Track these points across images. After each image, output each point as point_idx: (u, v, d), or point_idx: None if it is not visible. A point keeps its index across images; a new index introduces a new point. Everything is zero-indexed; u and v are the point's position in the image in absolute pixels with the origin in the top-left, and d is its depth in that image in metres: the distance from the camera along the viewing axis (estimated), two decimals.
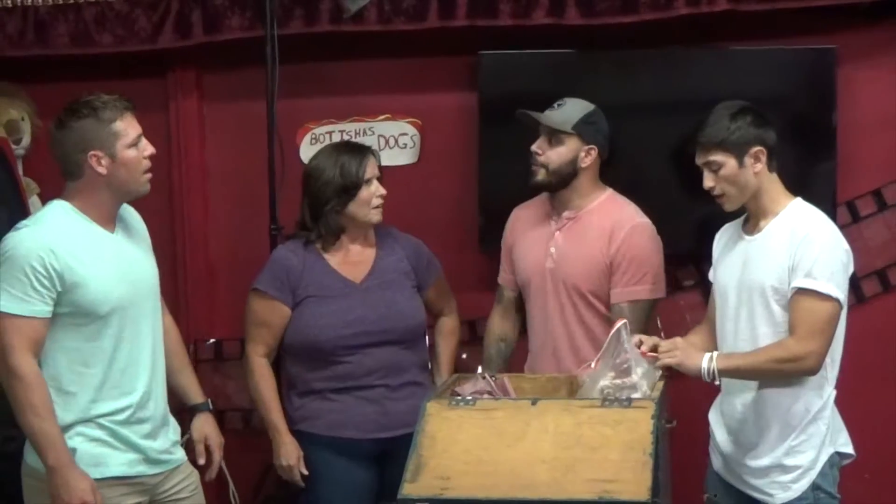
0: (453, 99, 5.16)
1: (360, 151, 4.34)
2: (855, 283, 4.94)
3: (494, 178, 5.04)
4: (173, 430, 3.93)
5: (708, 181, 3.82)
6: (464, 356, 4.87)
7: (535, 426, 3.51)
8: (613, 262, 4.29)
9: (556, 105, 4.34)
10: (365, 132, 5.19)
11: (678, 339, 3.83)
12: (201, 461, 4.02)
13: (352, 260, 4.36)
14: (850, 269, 3.82)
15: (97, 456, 3.70)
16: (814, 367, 3.68)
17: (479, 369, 4.07)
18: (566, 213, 4.37)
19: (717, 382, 3.74)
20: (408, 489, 3.45)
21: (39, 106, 5.15)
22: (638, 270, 4.29)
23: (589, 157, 4.33)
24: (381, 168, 4.37)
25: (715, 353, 3.72)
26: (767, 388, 3.79)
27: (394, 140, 5.19)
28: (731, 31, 4.94)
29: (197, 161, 5.27)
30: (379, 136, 5.19)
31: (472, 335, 5.10)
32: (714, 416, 3.99)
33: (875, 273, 4.99)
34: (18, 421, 3.63)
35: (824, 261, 3.68)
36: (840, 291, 3.69)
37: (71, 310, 3.65)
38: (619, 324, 3.76)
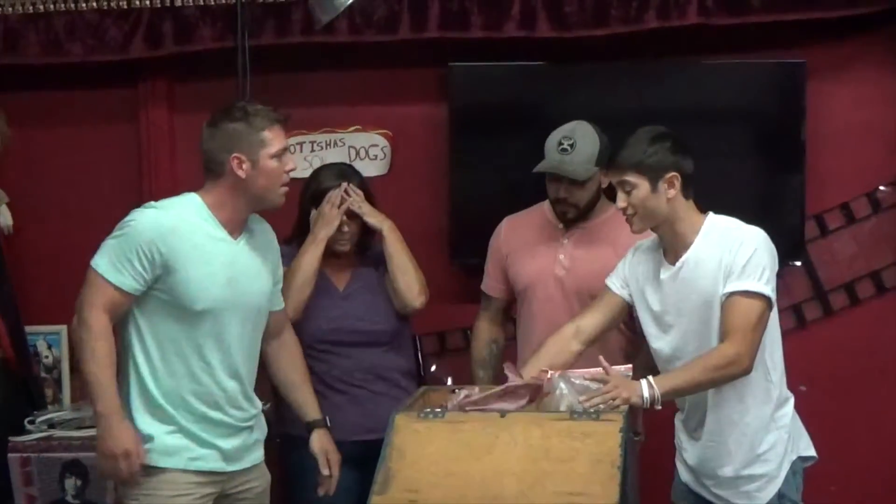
0: (424, 110, 5.16)
1: (338, 181, 4.40)
2: (823, 297, 4.98)
3: (465, 190, 5.05)
4: (259, 430, 3.98)
5: (620, 201, 3.82)
6: (433, 368, 4.88)
7: (504, 438, 3.50)
8: None
9: (567, 146, 4.26)
10: (335, 143, 5.19)
11: (612, 375, 3.69)
12: (325, 472, 4.12)
13: (336, 266, 4.42)
14: (776, 266, 3.80)
15: (173, 446, 3.76)
16: (748, 368, 3.69)
17: (449, 381, 4.07)
18: (578, 222, 4.39)
19: (658, 407, 3.67)
20: (376, 501, 3.44)
21: (9, 115, 5.12)
22: None
23: (606, 178, 4.35)
24: (367, 196, 4.41)
25: (652, 379, 3.67)
26: (720, 401, 3.80)
27: (364, 151, 5.19)
28: (702, 44, 4.97)
29: (167, 171, 5.26)
30: (349, 147, 5.20)
31: (442, 347, 5.11)
32: (679, 427, 4.00)
33: (843, 286, 5.02)
34: (81, 369, 3.74)
35: (755, 261, 3.69)
36: (770, 289, 3.71)
37: (167, 297, 3.72)
38: (553, 375, 3.76)
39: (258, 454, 3.98)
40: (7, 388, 4.93)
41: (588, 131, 4.32)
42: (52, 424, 4.79)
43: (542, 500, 3.37)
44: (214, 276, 3.75)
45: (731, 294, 3.70)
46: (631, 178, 3.77)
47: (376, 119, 5.21)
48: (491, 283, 4.58)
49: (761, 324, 3.70)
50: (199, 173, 5.20)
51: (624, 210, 3.82)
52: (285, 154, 3.83)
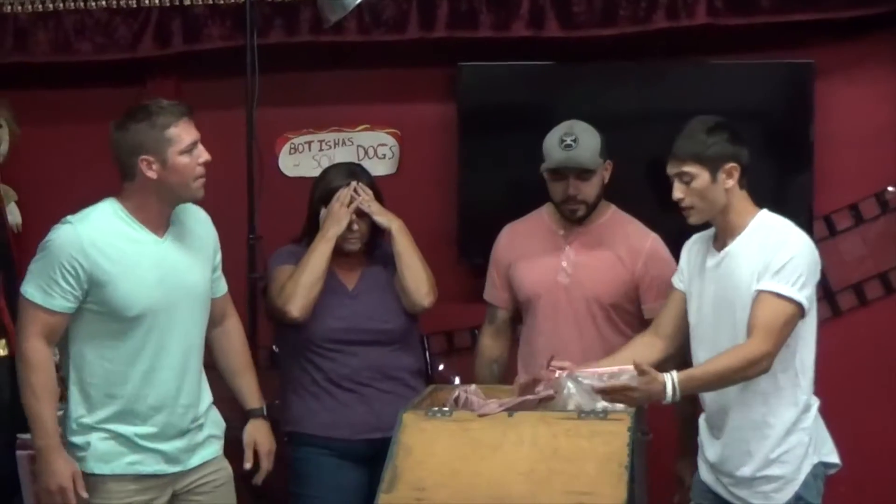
0: (433, 110, 5.17)
1: (347, 179, 4.40)
2: (831, 297, 4.97)
3: (474, 190, 5.05)
4: (211, 426, 3.96)
5: (678, 192, 3.83)
6: (441, 367, 4.88)
7: (512, 438, 3.51)
8: (643, 277, 4.34)
9: (571, 142, 4.26)
10: (344, 142, 5.20)
11: (630, 379, 3.68)
12: (247, 466, 4.07)
13: (345, 265, 4.42)
14: (818, 275, 3.83)
15: (109, 452, 3.76)
16: (767, 368, 3.69)
17: (457, 380, 4.07)
18: (578, 227, 4.39)
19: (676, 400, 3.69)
20: (383, 500, 3.45)
21: (19, 113, 5.13)
22: (670, 281, 4.34)
23: (608, 172, 4.38)
24: (375, 194, 4.42)
25: (675, 376, 3.66)
26: (745, 402, 3.80)
27: (373, 150, 5.19)
28: (710, 44, 4.97)
29: None
30: (358, 146, 5.20)
31: (450, 346, 5.11)
32: (702, 425, 4.00)
33: (851, 287, 5.02)
34: (22, 401, 3.74)
35: (792, 266, 3.70)
36: (804, 296, 3.71)
37: (100, 308, 3.71)
38: (560, 374, 3.76)
39: (211, 450, 3.95)
40: (15, 385, 4.93)
41: (586, 126, 4.33)
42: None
43: (550, 499, 3.38)
44: (144, 279, 3.73)
45: (762, 292, 3.70)
46: (691, 168, 3.79)
47: (385, 118, 5.21)
48: (495, 293, 4.57)
49: (787, 327, 3.70)
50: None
51: (680, 201, 3.83)
52: (196, 147, 3.79)
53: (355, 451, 4.29)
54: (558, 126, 4.34)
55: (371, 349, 4.34)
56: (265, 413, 4.12)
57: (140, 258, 3.74)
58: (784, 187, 4.66)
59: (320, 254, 4.30)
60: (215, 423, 3.98)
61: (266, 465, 4.09)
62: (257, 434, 4.08)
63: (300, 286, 4.27)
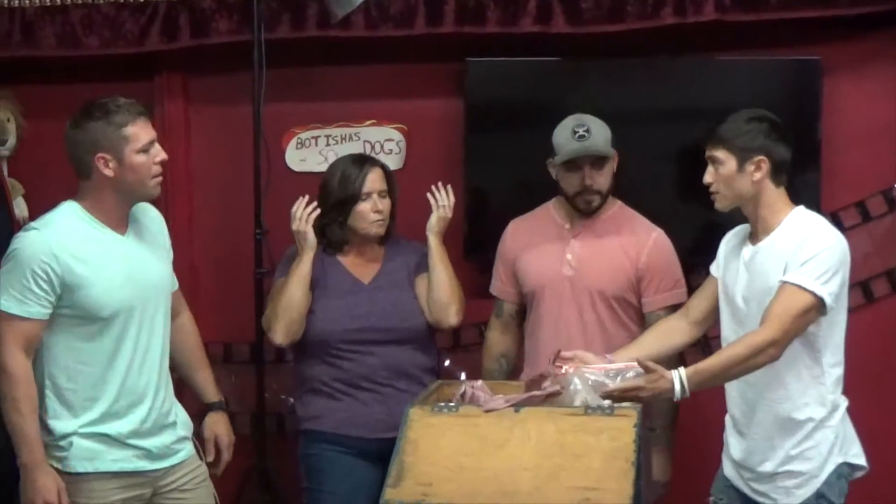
0: (439, 105, 5.16)
1: (362, 164, 4.41)
2: None
3: (480, 186, 5.05)
4: (181, 427, 3.97)
5: (707, 176, 3.87)
6: (447, 363, 4.88)
7: (518, 433, 3.51)
8: (645, 271, 4.35)
9: (584, 133, 4.28)
10: (351, 137, 5.19)
11: (636, 376, 3.68)
12: (209, 458, 4.07)
13: (362, 260, 4.45)
14: (847, 274, 3.83)
15: (91, 450, 3.76)
16: (775, 356, 3.69)
17: (463, 376, 4.07)
18: (584, 221, 4.40)
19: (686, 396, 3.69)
20: (390, 494, 3.46)
21: (26, 107, 5.14)
22: (671, 277, 4.39)
23: (615, 162, 4.39)
24: (390, 180, 4.45)
25: (683, 374, 3.65)
26: (772, 401, 3.81)
27: (379, 146, 5.19)
28: (718, 41, 4.96)
29: (183, 164, 5.26)
30: (365, 141, 5.20)
31: (456, 342, 5.10)
32: (728, 423, 4.00)
33: (858, 284, 5.00)
34: (3, 415, 3.71)
35: (818, 260, 3.70)
36: (826, 292, 3.70)
37: (73, 311, 3.71)
38: (567, 370, 3.76)
39: (185, 450, 3.96)
40: None
41: (594, 118, 4.36)
42: None
43: (556, 495, 3.39)
44: (114, 278, 3.74)
45: (784, 283, 3.71)
46: (720, 153, 3.83)
47: (392, 113, 5.21)
48: (501, 287, 4.59)
49: (801, 318, 3.69)
50: (215, 166, 5.27)
51: (708, 185, 3.85)
52: (153, 146, 3.79)
53: (370, 450, 4.29)
54: (566, 120, 4.35)
55: (389, 348, 4.34)
56: (224, 406, 4.15)
57: (107, 258, 3.75)
58: (791, 184, 4.63)
59: (297, 278, 4.32)
60: (185, 425, 4.00)
61: (227, 456, 4.11)
62: (217, 427, 4.11)
63: (278, 313, 4.32)
